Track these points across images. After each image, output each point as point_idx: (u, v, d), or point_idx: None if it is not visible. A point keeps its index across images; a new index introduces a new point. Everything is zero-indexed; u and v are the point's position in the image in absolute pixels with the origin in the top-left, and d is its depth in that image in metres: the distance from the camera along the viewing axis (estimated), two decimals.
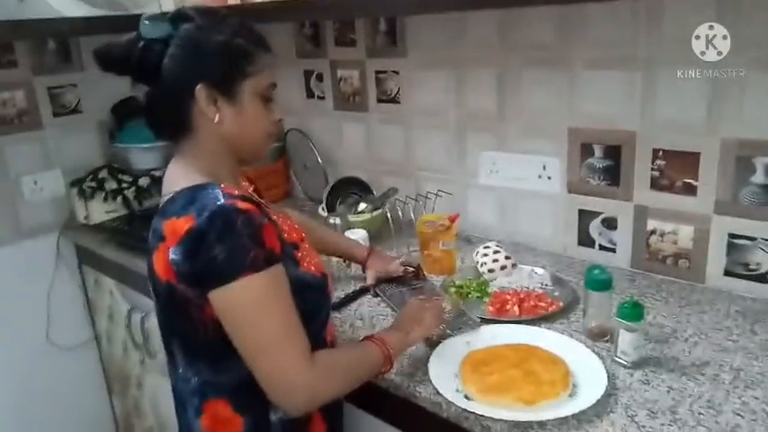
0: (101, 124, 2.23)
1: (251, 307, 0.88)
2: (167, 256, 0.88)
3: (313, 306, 1.01)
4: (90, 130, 2.22)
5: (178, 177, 0.97)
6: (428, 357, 1.16)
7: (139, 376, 2.12)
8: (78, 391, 2.33)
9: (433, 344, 1.20)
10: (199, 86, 0.93)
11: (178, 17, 0.96)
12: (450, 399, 1.03)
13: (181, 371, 1.01)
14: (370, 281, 1.46)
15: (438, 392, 1.06)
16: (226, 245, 0.85)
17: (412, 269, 1.50)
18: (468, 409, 1.00)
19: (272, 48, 1.01)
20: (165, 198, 0.96)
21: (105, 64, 0.95)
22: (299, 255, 1.02)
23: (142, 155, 2.17)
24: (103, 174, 2.11)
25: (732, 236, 1.35)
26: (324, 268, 1.08)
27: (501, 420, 0.98)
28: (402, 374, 1.14)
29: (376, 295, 1.44)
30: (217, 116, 0.95)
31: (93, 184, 2.06)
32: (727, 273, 1.37)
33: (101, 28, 1.89)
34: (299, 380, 0.90)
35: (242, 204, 0.89)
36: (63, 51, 2.13)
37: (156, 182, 2.15)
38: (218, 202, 0.88)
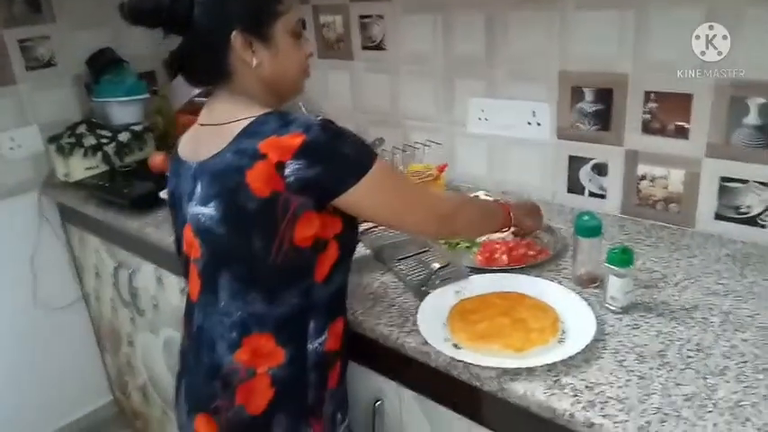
0: (76, 78, 2.16)
1: (393, 176, 1.04)
2: (274, 171, 0.90)
3: (353, 246, 1.09)
4: (66, 84, 2.15)
5: (232, 111, 0.98)
6: (417, 307, 1.14)
7: (130, 334, 2.11)
8: (69, 350, 2.33)
9: (421, 294, 1.19)
10: (234, 33, 0.95)
11: None
12: (438, 348, 1.02)
13: (222, 305, 1.00)
14: None
15: (426, 342, 1.05)
16: (350, 143, 0.94)
17: None
18: (457, 358, 1.00)
19: None
20: (229, 126, 0.96)
21: (135, 18, 0.96)
22: None
23: (121, 109, 2.12)
24: (82, 129, 2.05)
25: (724, 179, 1.33)
26: None
27: (489, 368, 0.97)
28: (391, 325, 1.13)
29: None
30: (254, 60, 0.97)
31: (72, 140, 2.00)
32: (718, 216, 1.36)
33: None
34: (447, 212, 1.09)
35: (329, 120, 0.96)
36: (32, 2, 2.04)
37: (137, 136, 2.10)
38: (318, 118, 0.93)
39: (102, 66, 2.11)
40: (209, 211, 0.96)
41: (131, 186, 1.88)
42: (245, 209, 0.93)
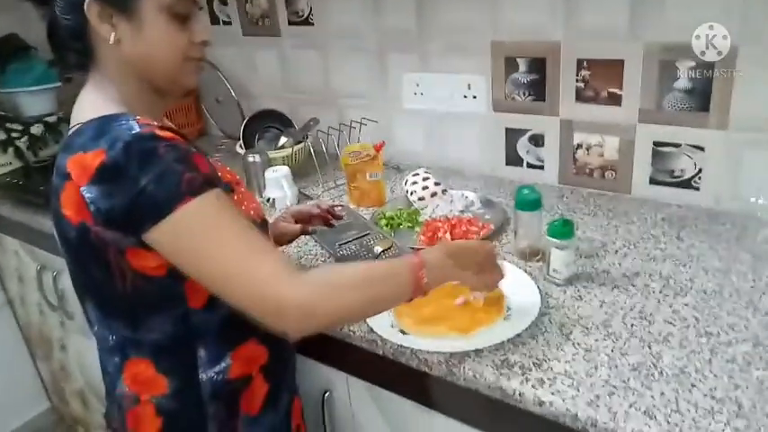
0: None
1: (202, 234, 0.74)
2: (79, 195, 0.75)
3: None
4: None
5: (86, 109, 0.83)
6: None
7: (61, 338, 1.99)
8: (1, 360, 2.18)
9: None
10: (87, 1, 0.79)
11: None
12: (384, 336, 0.99)
13: (96, 329, 0.91)
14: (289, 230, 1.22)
15: (372, 330, 1.01)
16: (152, 173, 0.72)
17: (338, 205, 1.40)
18: (404, 345, 0.97)
19: None
20: (71, 131, 0.82)
21: None
22: (236, 197, 0.91)
23: (32, 99, 1.97)
24: None
25: (657, 143, 1.34)
26: (264, 215, 0.97)
27: (437, 352, 0.95)
28: None
29: (308, 233, 1.27)
30: (112, 35, 0.80)
31: None
32: (653, 181, 1.38)
33: None
34: (285, 292, 0.74)
35: (161, 132, 0.76)
36: None
37: (52, 129, 1.95)
38: (132, 131, 0.75)
39: (8, 54, 1.94)
40: (55, 234, 0.85)
41: (48, 183, 1.74)
42: (68, 237, 0.81)
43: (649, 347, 0.92)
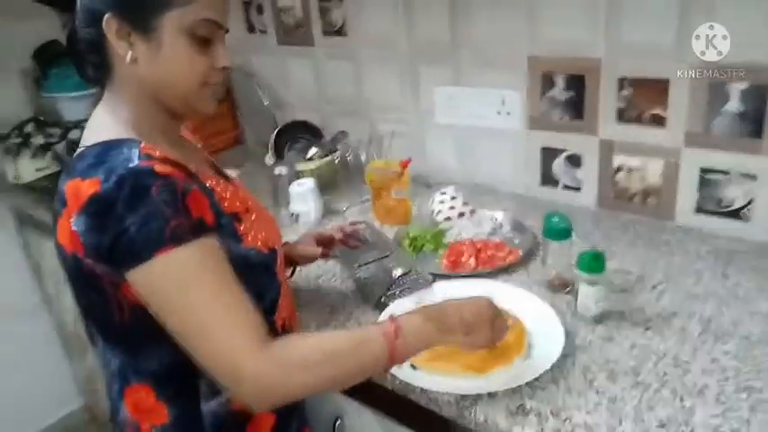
0: (23, 73, 2.02)
1: (177, 286, 0.72)
2: (70, 225, 0.73)
3: (257, 288, 0.82)
4: (11, 80, 2.02)
5: (98, 129, 0.81)
6: (374, 321, 1.05)
7: None
8: (37, 358, 2.23)
9: (380, 306, 1.11)
10: (107, 16, 0.77)
11: None
12: (393, 370, 0.93)
13: (100, 352, 0.88)
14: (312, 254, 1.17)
15: None
16: (138, 214, 0.70)
17: (361, 222, 1.36)
18: (412, 383, 0.91)
19: None
20: (76, 153, 0.80)
21: None
22: (242, 228, 0.86)
23: (72, 104, 1.98)
24: (29, 128, 1.93)
25: (704, 170, 1.24)
26: (275, 243, 0.92)
27: (447, 393, 0.89)
28: None
29: (328, 257, 1.23)
30: (129, 54, 0.78)
31: (19, 140, 1.88)
32: (699, 210, 1.27)
33: None
34: (246, 367, 0.71)
35: (160, 167, 0.73)
36: None
37: None
38: (130, 164, 0.72)
39: (50, 59, 1.97)
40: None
41: None
42: (65, 263, 0.79)
43: (681, 401, 0.84)
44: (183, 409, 0.85)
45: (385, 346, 0.77)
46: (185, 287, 0.72)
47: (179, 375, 0.83)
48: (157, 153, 0.77)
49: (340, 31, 1.74)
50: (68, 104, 1.98)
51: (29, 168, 1.89)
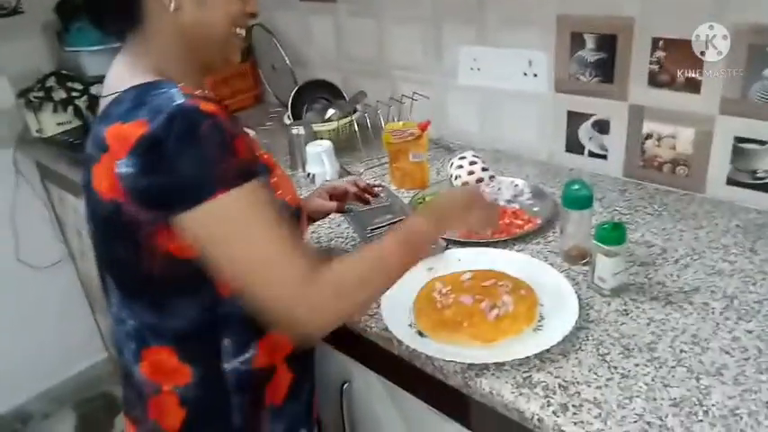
0: (46, 26, 2.02)
1: (230, 226, 0.71)
2: (113, 169, 0.71)
3: None
4: (34, 33, 2.02)
5: (122, 77, 0.78)
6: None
7: None
8: (61, 310, 2.29)
9: None
10: None
11: None
12: (400, 336, 0.92)
13: (114, 309, 0.87)
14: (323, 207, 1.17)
15: (387, 329, 0.94)
16: (190, 156, 0.69)
17: (378, 185, 1.32)
18: (418, 349, 0.89)
19: None
20: (107, 99, 0.78)
21: None
22: (273, 181, 0.86)
23: (94, 59, 1.98)
24: (51, 82, 1.93)
25: (738, 139, 1.17)
26: (300, 201, 0.92)
27: (454, 362, 0.86)
28: None
29: (342, 211, 1.22)
30: (172, 3, 0.77)
31: (41, 93, 1.89)
32: (731, 181, 1.21)
33: None
34: (305, 294, 0.71)
35: (205, 106, 0.71)
36: None
37: None
38: (175, 102, 0.70)
39: (72, 13, 1.96)
40: (83, 205, 0.81)
41: None
42: (96, 211, 0.77)
43: (697, 380, 0.80)
44: (205, 369, 0.84)
45: (407, 248, 0.81)
46: (240, 229, 0.71)
47: (203, 333, 0.83)
48: (198, 92, 0.76)
49: None
50: (90, 59, 1.98)
51: (51, 122, 1.90)
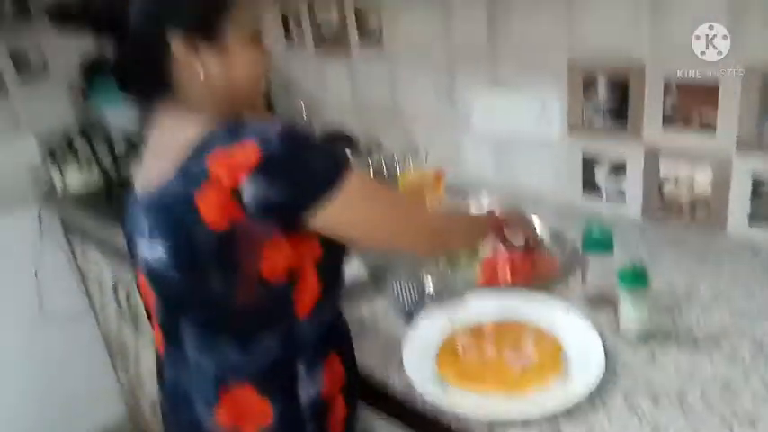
0: (71, 85, 2.09)
1: (371, 187, 0.86)
2: (227, 193, 0.76)
3: (338, 262, 0.93)
4: (60, 93, 2.09)
5: (182, 125, 0.83)
6: (406, 336, 1.03)
7: (136, 350, 2.06)
8: (82, 362, 2.29)
9: (412, 321, 1.08)
10: (174, 35, 0.79)
11: None
12: (424, 391, 0.91)
13: (191, 356, 0.88)
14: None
15: (410, 382, 0.93)
16: (315, 155, 0.80)
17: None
18: (443, 407, 0.88)
19: None
20: (190, 140, 0.80)
21: (60, 21, 0.82)
22: None
23: (119, 115, 2.04)
24: (77, 140, 1.99)
25: (757, 179, 1.16)
26: None
27: (479, 417, 0.85)
28: (377, 358, 1.02)
29: None
30: (200, 66, 0.82)
31: (67, 152, 1.94)
32: (752, 222, 1.19)
33: None
34: (436, 221, 0.98)
35: (292, 124, 0.81)
36: (22, 7, 1.97)
37: (134, 147, 2.02)
38: (276, 125, 0.78)
39: (97, 71, 2.02)
40: (158, 252, 0.83)
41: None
42: (198, 246, 0.79)
43: (731, 430, 0.78)
44: (285, 402, 0.87)
45: (487, 220, 1.10)
46: (375, 192, 0.87)
47: (281, 363, 0.86)
48: None
49: (376, 39, 1.72)
50: (114, 116, 2.03)
51: (76, 179, 1.94)
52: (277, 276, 0.81)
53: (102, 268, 2.00)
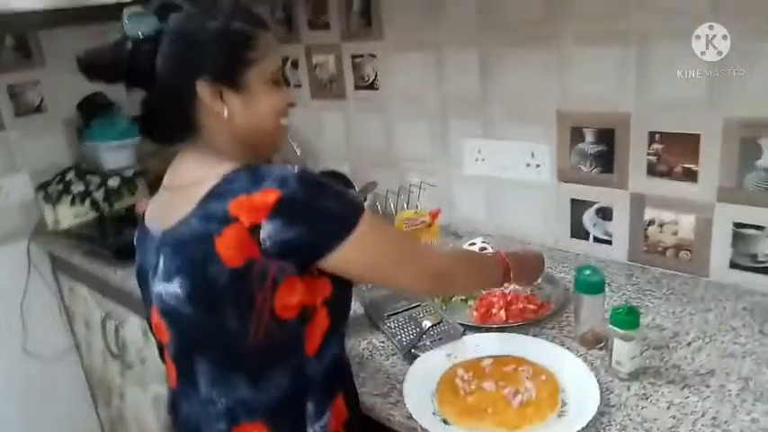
0: (67, 122, 2.11)
1: (382, 230, 0.91)
2: (246, 235, 0.79)
3: (347, 300, 0.96)
4: (56, 130, 2.11)
5: (203, 167, 0.87)
6: (405, 373, 1.05)
7: (120, 386, 2.03)
8: (62, 401, 2.24)
9: (410, 357, 1.10)
10: (199, 82, 0.85)
11: (164, 7, 0.86)
12: (424, 425, 0.93)
13: (204, 392, 0.89)
14: None
15: (411, 417, 0.95)
16: (331, 198, 0.83)
17: None
18: None
19: (270, 25, 0.93)
20: (210, 182, 0.84)
21: (92, 73, 0.87)
22: None
23: (113, 153, 2.06)
24: (70, 175, 2.00)
25: (737, 225, 1.23)
26: None
27: None
28: (376, 394, 1.04)
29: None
30: (226, 111, 0.87)
31: (60, 187, 1.95)
32: (734, 265, 1.26)
33: (60, 20, 1.77)
34: (440, 266, 0.97)
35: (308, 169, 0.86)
36: (22, 47, 2.01)
37: (127, 182, 2.04)
38: (293, 168, 0.82)
39: (93, 109, 2.06)
40: (173, 288, 0.85)
41: (120, 234, 1.82)
42: (214, 283, 0.81)
43: None
44: None
45: (502, 268, 1.06)
46: (385, 235, 0.92)
47: (291, 401, 0.88)
48: None
49: (372, 85, 1.79)
50: (109, 153, 2.06)
51: (68, 215, 1.95)
52: (289, 314, 0.84)
53: (90, 304, 1.99)
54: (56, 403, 2.22)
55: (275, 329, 0.84)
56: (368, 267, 0.88)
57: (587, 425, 0.89)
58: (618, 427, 0.90)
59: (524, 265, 1.11)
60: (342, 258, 0.83)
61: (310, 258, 0.83)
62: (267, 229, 0.79)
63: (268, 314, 0.82)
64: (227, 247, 0.80)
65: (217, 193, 0.83)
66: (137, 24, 0.84)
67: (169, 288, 0.85)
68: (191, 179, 0.88)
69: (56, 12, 1.67)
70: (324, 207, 0.82)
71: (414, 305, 1.26)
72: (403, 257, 0.92)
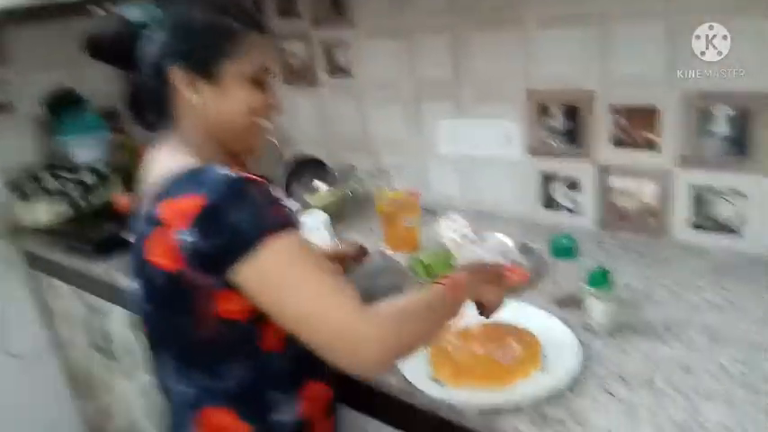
0: (36, 120, 2.09)
1: (286, 268, 0.79)
2: (172, 240, 0.79)
3: None
4: (25, 128, 2.08)
5: (166, 161, 0.89)
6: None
7: (106, 380, 2.04)
8: (42, 399, 2.23)
9: None
10: (173, 67, 0.87)
11: None
12: (421, 387, 0.99)
13: (172, 381, 0.93)
14: None
15: (407, 381, 1.01)
16: (244, 212, 0.77)
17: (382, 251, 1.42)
18: (441, 398, 0.96)
19: (268, 28, 0.93)
20: (157, 182, 0.86)
21: (96, 53, 0.91)
22: None
23: (83, 147, 2.06)
24: (42, 173, 1.98)
25: (697, 189, 1.32)
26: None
27: (474, 407, 0.94)
28: None
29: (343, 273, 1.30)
30: (195, 97, 0.88)
31: (34, 184, 1.94)
32: (695, 227, 1.35)
33: (25, 18, 1.75)
34: (363, 331, 0.78)
35: (251, 177, 0.82)
36: None
37: (102, 176, 2.04)
38: (229, 176, 0.80)
39: (62, 104, 2.05)
40: (135, 285, 0.90)
41: (99, 229, 1.82)
42: (154, 284, 0.85)
43: (693, 405, 0.89)
44: (262, 423, 0.91)
45: (454, 301, 0.91)
46: (293, 271, 0.79)
47: (253, 391, 0.90)
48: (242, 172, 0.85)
49: (345, 71, 1.83)
50: (79, 147, 2.05)
51: (44, 212, 1.93)
52: (236, 315, 0.84)
53: (71, 300, 1.99)
54: (35, 401, 2.21)
55: (223, 329, 0.85)
56: (263, 295, 0.80)
57: (571, 378, 0.96)
58: (598, 378, 0.98)
59: (477, 283, 0.97)
60: (241, 277, 0.79)
61: (221, 270, 0.79)
62: (187, 239, 0.78)
63: (211, 317, 0.84)
64: (156, 251, 0.82)
65: (156, 194, 0.85)
66: (140, 12, 0.89)
67: (134, 285, 0.90)
68: (155, 173, 0.90)
69: (19, 10, 1.66)
70: (233, 221, 0.77)
71: (399, 281, 1.32)
72: (307, 299, 0.78)
